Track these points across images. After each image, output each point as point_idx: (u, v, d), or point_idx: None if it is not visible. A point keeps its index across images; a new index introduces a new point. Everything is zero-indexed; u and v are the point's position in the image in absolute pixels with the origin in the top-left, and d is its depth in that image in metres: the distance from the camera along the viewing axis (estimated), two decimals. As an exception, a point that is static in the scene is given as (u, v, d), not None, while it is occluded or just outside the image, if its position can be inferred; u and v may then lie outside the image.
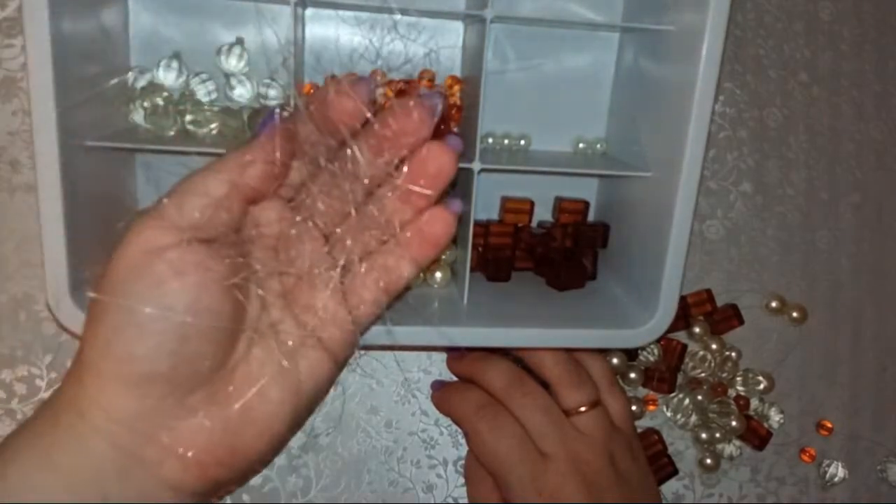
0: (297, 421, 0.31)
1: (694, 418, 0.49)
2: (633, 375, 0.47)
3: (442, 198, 0.32)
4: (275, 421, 0.30)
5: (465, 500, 0.46)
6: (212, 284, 0.27)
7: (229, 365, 0.29)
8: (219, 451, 0.29)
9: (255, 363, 0.30)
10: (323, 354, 0.31)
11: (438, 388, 0.46)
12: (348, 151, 0.30)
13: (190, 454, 0.28)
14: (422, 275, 0.43)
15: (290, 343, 0.30)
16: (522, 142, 0.45)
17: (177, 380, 0.27)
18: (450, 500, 0.47)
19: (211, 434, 0.28)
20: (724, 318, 0.49)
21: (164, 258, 0.27)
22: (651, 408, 0.49)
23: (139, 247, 0.27)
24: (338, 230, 0.31)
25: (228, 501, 0.45)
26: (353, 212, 0.30)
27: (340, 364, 0.32)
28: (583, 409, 0.40)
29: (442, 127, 0.43)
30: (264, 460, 0.32)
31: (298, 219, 0.30)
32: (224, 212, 0.28)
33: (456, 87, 0.44)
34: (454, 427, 0.47)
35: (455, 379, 0.46)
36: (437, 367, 0.47)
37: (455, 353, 0.45)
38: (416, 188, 0.30)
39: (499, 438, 0.39)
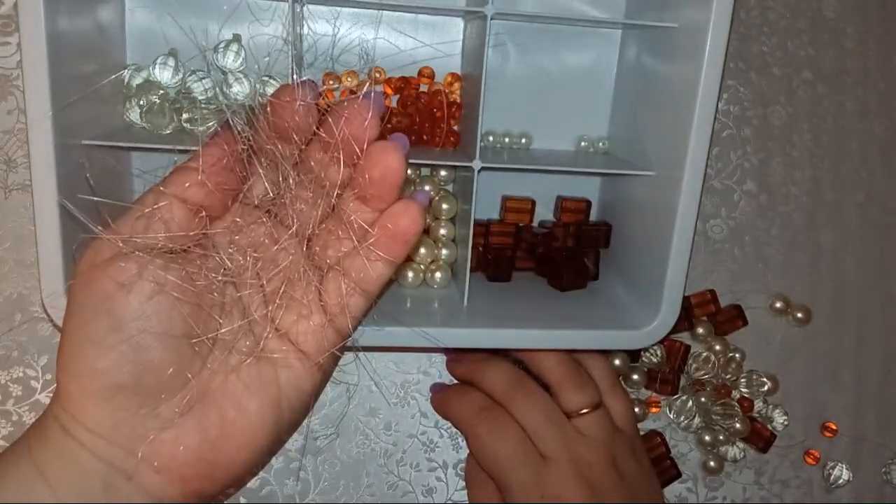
0: (280, 434, 0.31)
1: (697, 420, 0.48)
2: (635, 377, 0.47)
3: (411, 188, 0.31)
4: (255, 434, 0.30)
5: None
6: (160, 295, 0.27)
7: (204, 375, 0.29)
8: (199, 464, 0.29)
9: (231, 374, 0.29)
10: (304, 364, 0.30)
11: (438, 390, 0.45)
12: (305, 158, 0.29)
13: (168, 466, 0.28)
14: (422, 275, 0.43)
15: (256, 354, 0.30)
16: (523, 140, 0.45)
17: (144, 391, 0.28)
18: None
19: (188, 447, 0.28)
20: (727, 319, 0.48)
21: (107, 271, 0.27)
22: (654, 410, 0.48)
23: (87, 261, 0.28)
24: (296, 236, 0.30)
25: (225, 502, 0.45)
26: (313, 218, 0.30)
27: (323, 373, 0.32)
28: (584, 411, 0.40)
29: (442, 125, 0.43)
30: (249, 472, 0.32)
31: (239, 242, 0.30)
32: (161, 224, 0.27)
33: (456, 85, 0.43)
34: (454, 429, 0.46)
35: (454, 381, 0.46)
36: (437, 368, 0.46)
37: (454, 356, 0.45)
38: (369, 189, 0.29)
39: (499, 441, 0.39)
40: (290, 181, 0.29)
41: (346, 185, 0.30)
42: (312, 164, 0.29)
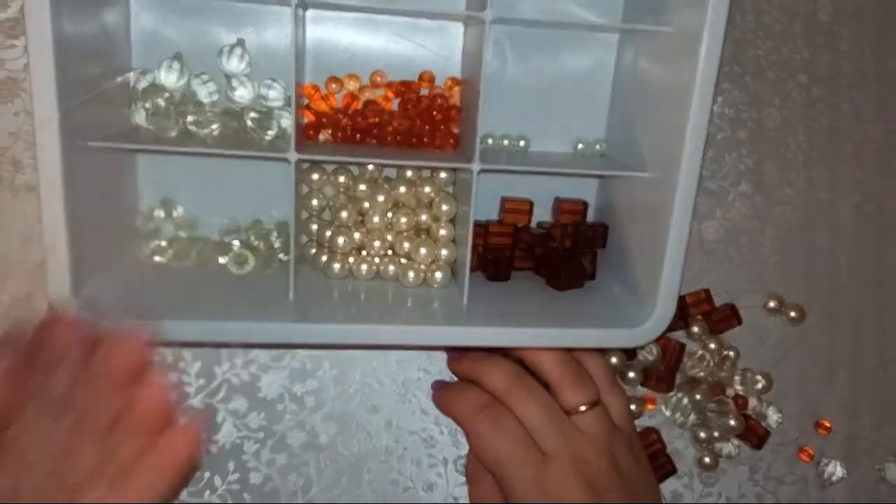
0: None
1: (692, 417, 0.49)
2: (631, 375, 0.47)
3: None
4: None
5: (466, 500, 0.46)
6: None
7: None
8: None
9: None
10: None
11: (439, 387, 0.46)
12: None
13: None
14: (422, 275, 0.43)
15: None
16: (522, 142, 0.45)
17: None
18: (450, 500, 0.47)
19: None
20: (722, 318, 0.49)
21: None
22: (650, 407, 0.49)
23: None
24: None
25: (230, 501, 0.45)
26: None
27: None
28: (583, 408, 0.40)
29: (443, 127, 0.43)
30: None
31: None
32: None
33: (456, 89, 0.44)
34: (454, 426, 0.46)
35: (455, 379, 0.46)
36: (437, 366, 0.47)
37: (455, 354, 0.45)
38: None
39: (500, 438, 0.39)
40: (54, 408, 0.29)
41: (117, 416, 0.30)
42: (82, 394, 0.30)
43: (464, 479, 0.46)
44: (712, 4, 0.35)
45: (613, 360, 0.46)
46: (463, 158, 0.40)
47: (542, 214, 0.46)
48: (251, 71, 0.41)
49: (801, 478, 0.51)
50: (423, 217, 0.43)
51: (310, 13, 0.42)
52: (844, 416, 0.51)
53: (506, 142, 0.45)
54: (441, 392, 0.45)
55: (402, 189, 0.43)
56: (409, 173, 0.44)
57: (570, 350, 0.42)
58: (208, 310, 0.37)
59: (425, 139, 0.43)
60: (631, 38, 0.44)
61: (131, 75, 0.40)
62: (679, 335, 0.49)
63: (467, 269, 0.40)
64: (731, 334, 0.49)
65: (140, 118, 0.40)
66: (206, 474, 0.45)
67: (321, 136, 0.43)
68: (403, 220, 0.43)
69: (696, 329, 0.48)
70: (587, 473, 0.39)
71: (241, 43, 0.41)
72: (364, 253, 0.43)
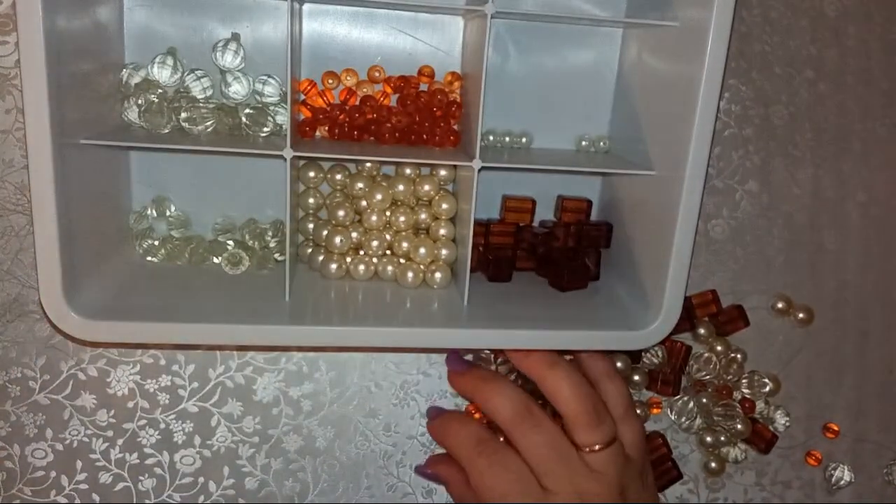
0: None
1: (699, 421, 0.48)
2: (636, 378, 0.47)
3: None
4: None
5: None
6: None
7: None
8: None
9: None
10: None
11: (435, 416, 0.44)
12: None
13: None
14: (421, 275, 0.42)
15: None
16: (524, 139, 0.45)
17: None
18: (450, 505, 0.47)
19: None
20: (729, 320, 0.48)
21: None
22: (655, 411, 0.48)
23: None
24: None
25: (223, 503, 0.45)
26: None
27: None
28: (597, 447, 0.39)
29: (443, 123, 0.42)
30: None
31: None
32: None
33: (456, 84, 0.43)
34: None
35: (453, 390, 0.45)
36: (437, 369, 0.46)
37: (456, 366, 0.44)
38: None
39: (499, 474, 0.38)
40: None
41: None
42: None
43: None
44: (719, -2, 0.34)
45: (619, 364, 0.46)
46: (463, 155, 0.39)
47: (545, 213, 0.46)
48: (246, 66, 0.41)
49: (808, 482, 0.51)
50: (423, 216, 0.43)
51: (306, 7, 0.42)
52: (852, 419, 0.51)
53: (507, 138, 0.45)
54: (437, 422, 0.44)
55: (401, 187, 0.42)
56: (407, 171, 0.43)
57: (576, 353, 0.41)
58: (202, 311, 0.37)
59: (424, 135, 0.42)
60: (635, 32, 0.43)
61: (124, 71, 0.40)
62: (685, 337, 0.48)
63: (468, 270, 0.39)
64: (738, 336, 0.49)
65: (132, 115, 0.39)
66: (201, 479, 0.45)
67: (318, 133, 0.42)
68: (402, 218, 0.42)
69: (702, 331, 0.47)
70: None
71: (235, 38, 0.41)
72: (362, 253, 0.43)
